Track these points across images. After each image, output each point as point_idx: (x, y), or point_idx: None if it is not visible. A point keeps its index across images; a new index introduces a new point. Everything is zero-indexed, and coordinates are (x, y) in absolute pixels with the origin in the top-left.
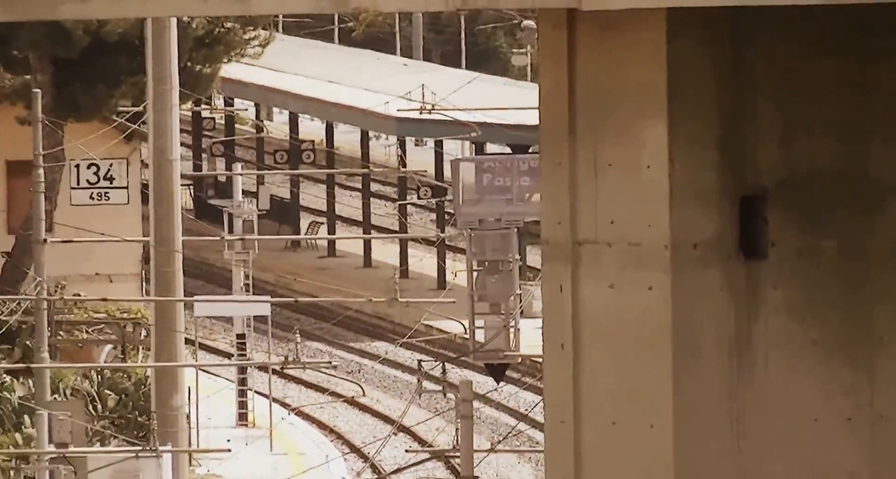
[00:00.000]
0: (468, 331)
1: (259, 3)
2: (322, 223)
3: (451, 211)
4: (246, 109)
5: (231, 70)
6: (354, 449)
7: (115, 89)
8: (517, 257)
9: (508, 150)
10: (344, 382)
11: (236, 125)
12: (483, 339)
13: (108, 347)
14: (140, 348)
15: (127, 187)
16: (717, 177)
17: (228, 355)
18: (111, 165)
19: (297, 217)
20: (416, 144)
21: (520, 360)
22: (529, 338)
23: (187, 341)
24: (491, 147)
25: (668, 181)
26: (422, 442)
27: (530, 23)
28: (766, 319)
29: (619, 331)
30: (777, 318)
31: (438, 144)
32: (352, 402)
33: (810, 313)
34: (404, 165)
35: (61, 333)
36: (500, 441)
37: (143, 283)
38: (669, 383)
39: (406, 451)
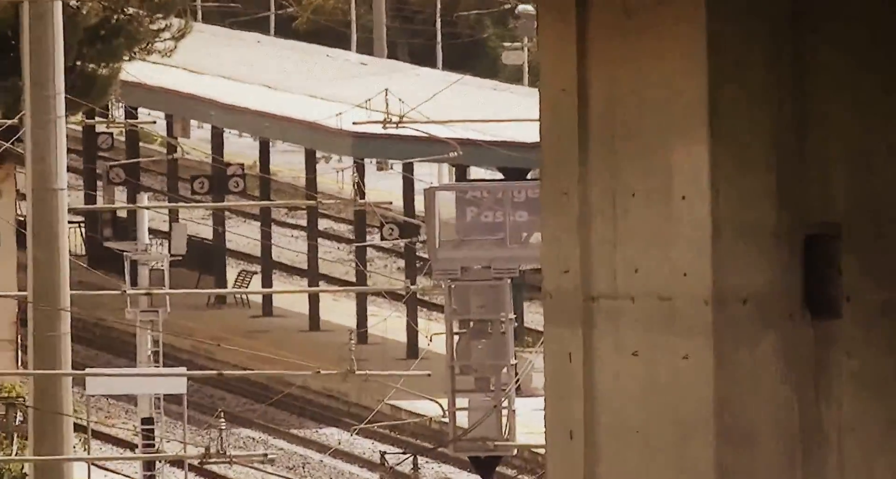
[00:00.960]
0: (447, 413)
1: None
2: (255, 273)
3: (426, 256)
4: (154, 123)
5: (135, 71)
6: None
7: None
8: (511, 316)
9: (500, 175)
10: None
11: (142, 144)
12: (467, 424)
13: None
14: (15, 436)
15: None
16: (773, 211)
17: (131, 446)
18: None
19: (222, 264)
20: (379, 169)
21: (515, 452)
22: (528, 423)
23: (77, 427)
24: (477, 172)
25: (709, 217)
26: None
27: (527, 8)
28: (840, 398)
29: (646, 414)
30: (853, 397)
31: (407, 169)
32: None
33: None
34: (363, 196)
35: None
36: None
37: (19, 351)
38: None
39: None
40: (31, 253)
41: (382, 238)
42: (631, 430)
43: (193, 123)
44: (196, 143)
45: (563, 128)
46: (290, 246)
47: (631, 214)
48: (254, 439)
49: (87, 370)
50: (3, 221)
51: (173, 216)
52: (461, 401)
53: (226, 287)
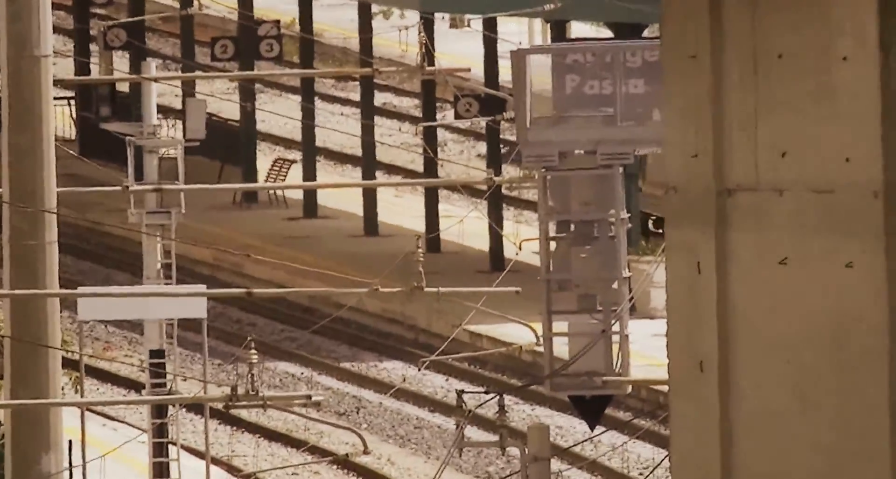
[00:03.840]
0: (541, 341)
1: None
2: (294, 162)
3: (513, 138)
4: None
5: None
6: None
7: None
8: (624, 215)
9: (608, 33)
10: (333, 429)
11: None
12: (567, 355)
13: None
14: None
15: None
16: None
17: (136, 387)
18: None
19: (251, 152)
20: (453, 26)
21: (629, 390)
22: (645, 352)
23: (67, 362)
24: (579, 29)
25: (878, 84)
26: None
27: None
28: None
29: (798, 338)
30: None
31: (490, 26)
32: (345, 463)
33: None
34: (432, 63)
35: None
36: None
37: None
38: (886, 431)
39: None
40: (6, 139)
41: (458, 116)
42: (778, 358)
43: None
44: None
45: None
46: (339, 127)
47: (777, 81)
48: (294, 375)
49: (80, 290)
50: None
51: (188, 90)
52: (560, 325)
53: (256, 181)
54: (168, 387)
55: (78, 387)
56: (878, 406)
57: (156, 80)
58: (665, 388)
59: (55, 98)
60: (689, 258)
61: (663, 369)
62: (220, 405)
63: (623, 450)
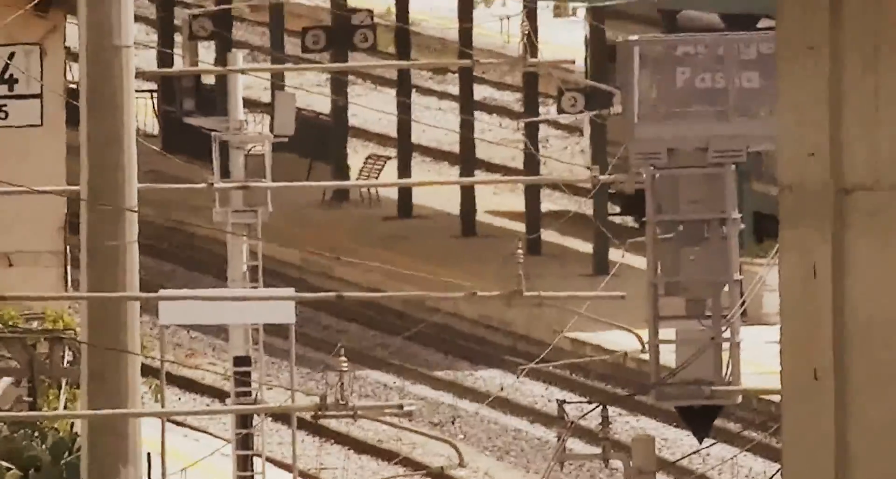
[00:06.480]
0: (647, 348)
1: None
2: (388, 158)
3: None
4: None
5: None
6: None
7: None
8: (736, 215)
9: (719, 23)
10: (427, 441)
11: None
12: (674, 363)
13: (7, 381)
14: (64, 383)
15: (40, 97)
16: None
17: (220, 396)
18: (12, 57)
19: (342, 148)
20: (557, 15)
21: (739, 400)
22: (757, 360)
23: (147, 369)
24: (688, 18)
25: None
26: None
27: None
28: None
29: None
30: None
31: (595, 15)
32: (440, 477)
33: None
34: (535, 54)
35: None
36: None
37: (68, 267)
38: None
39: None
40: (86, 133)
41: (561, 110)
42: None
43: None
44: None
45: None
46: (436, 122)
47: None
48: (386, 385)
49: (161, 293)
50: (47, 89)
51: (277, 82)
52: (667, 332)
53: (348, 178)
54: (253, 396)
55: (158, 396)
56: None
57: (243, 72)
58: (778, 398)
59: (137, 91)
60: (804, 261)
61: (776, 377)
62: (308, 415)
63: (733, 463)
